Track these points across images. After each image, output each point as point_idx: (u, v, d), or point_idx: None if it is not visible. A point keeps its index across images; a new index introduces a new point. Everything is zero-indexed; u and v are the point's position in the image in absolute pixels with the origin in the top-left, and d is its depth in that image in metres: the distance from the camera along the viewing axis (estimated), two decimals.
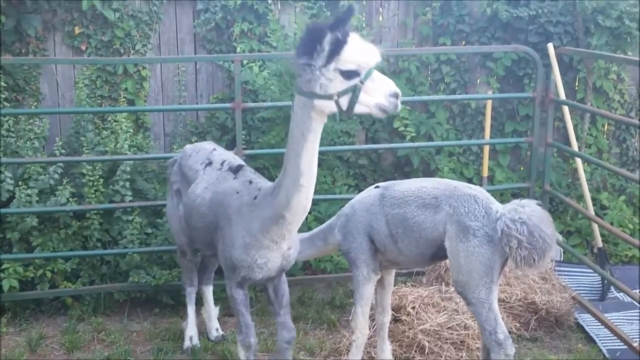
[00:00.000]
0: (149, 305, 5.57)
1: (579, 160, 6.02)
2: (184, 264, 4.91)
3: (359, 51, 3.23)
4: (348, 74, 3.23)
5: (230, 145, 6.20)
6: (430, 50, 6.65)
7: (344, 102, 3.27)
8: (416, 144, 6.42)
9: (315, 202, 6.22)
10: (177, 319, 5.42)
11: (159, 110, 6.63)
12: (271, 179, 6.15)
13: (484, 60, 6.79)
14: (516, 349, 4.36)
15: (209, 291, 5.10)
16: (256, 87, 6.14)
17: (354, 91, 3.24)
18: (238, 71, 5.30)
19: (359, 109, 3.28)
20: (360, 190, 6.72)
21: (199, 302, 5.12)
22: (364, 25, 6.67)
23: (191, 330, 4.95)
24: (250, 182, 3.96)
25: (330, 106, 3.30)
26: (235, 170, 4.13)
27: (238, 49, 6.41)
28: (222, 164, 4.28)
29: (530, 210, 3.81)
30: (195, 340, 4.93)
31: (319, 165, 6.48)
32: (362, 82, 3.23)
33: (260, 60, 6.31)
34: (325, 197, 6.05)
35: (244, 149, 5.57)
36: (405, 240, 4.12)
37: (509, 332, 4.16)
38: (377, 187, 4.38)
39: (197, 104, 6.70)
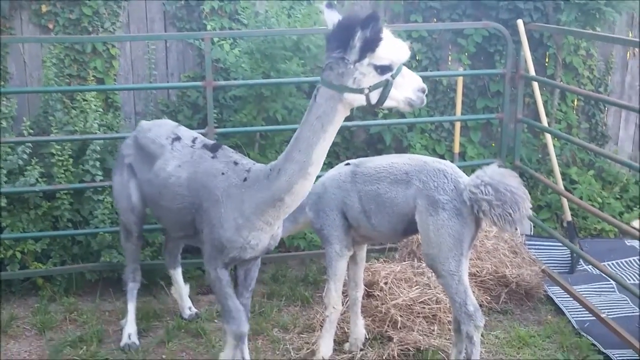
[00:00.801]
0: (121, 284, 5.54)
1: (548, 136, 6.08)
2: (128, 249, 4.75)
3: (393, 47, 3.26)
4: (382, 69, 3.27)
5: (202, 124, 6.18)
6: (402, 27, 6.62)
7: (375, 96, 3.32)
8: (388, 121, 6.46)
9: None
10: (150, 298, 5.42)
11: (129, 89, 6.55)
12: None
13: (455, 37, 6.81)
14: (487, 322, 4.45)
15: (177, 273, 5.08)
16: (227, 65, 6.11)
17: (386, 86, 3.29)
18: (209, 49, 5.26)
19: (388, 103, 3.34)
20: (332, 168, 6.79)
21: (169, 284, 5.13)
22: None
23: (130, 328, 4.80)
24: (236, 162, 3.88)
25: (360, 100, 3.33)
26: (213, 148, 4.04)
27: (208, 27, 6.37)
28: (193, 141, 4.18)
29: (490, 171, 3.90)
30: (134, 338, 4.78)
31: None
32: (393, 77, 3.29)
33: (232, 38, 6.26)
34: None
35: (215, 127, 5.55)
36: (378, 215, 4.17)
37: (480, 305, 4.23)
38: (348, 164, 4.40)
39: (167, 82, 6.63)
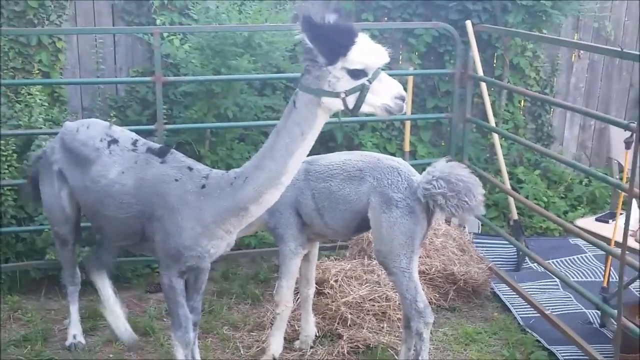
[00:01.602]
0: None
1: (496, 136, 6.20)
2: (65, 257, 4.48)
3: (367, 52, 3.18)
4: (355, 74, 3.18)
5: (151, 120, 6.11)
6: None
7: (351, 100, 3.22)
8: (342, 119, 6.44)
9: None
10: (96, 296, 5.32)
11: (75, 83, 6.42)
12: (192, 155, 6.18)
13: (406, 37, 6.87)
14: (435, 319, 4.50)
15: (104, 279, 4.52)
16: (177, 60, 6.04)
17: (362, 91, 3.20)
18: (158, 44, 5.21)
19: (365, 108, 3.25)
20: None
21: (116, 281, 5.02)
22: (286, 0, 6.64)
23: (75, 329, 4.69)
24: (190, 168, 3.68)
25: (337, 104, 3.24)
26: (160, 152, 3.80)
27: (158, 22, 6.29)
28: (134, 144, 3.91)
29: (440, 165, 4.01)
30: (79, 338, 4.68)
31: (244, 140, 6.57)
32: (369, 82, 3.20)
33: (182, 33, 6.20)
34: None
35: (165, 123, 5.50)
36: (331, 213, 4.19)
37: (429, 303, 4.28)
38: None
39: (116, 77, 6.54)
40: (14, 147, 5.38)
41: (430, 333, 4.57)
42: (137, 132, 6.04)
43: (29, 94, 5.65)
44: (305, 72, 3.28)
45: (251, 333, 4.90)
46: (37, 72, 6.08)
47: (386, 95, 3.24)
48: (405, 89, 3.27)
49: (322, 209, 4.20)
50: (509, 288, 5.44)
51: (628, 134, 4.06)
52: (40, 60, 6.15)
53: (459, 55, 5.87)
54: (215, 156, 6.19)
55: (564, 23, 7.05)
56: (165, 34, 6.14)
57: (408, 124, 6.46)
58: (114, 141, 3.93)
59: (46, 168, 4.22)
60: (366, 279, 5.09)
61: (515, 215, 6.16)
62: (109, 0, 6.42)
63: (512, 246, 5.95)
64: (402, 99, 3.27)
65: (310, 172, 4.26)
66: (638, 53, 4.13)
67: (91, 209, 3.98)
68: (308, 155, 4.56)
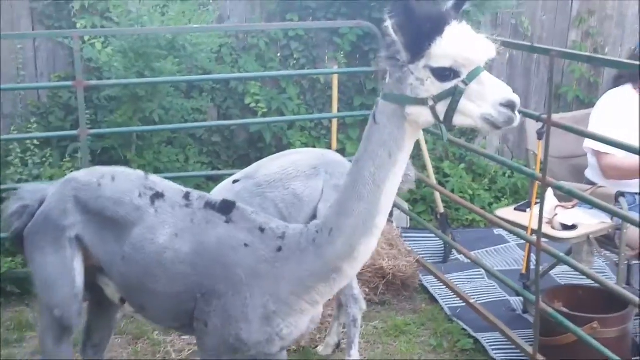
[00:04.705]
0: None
1: (420, 131, 6.28)
2: (63, 355, 3.26)
3: (458, 44, 2.41)
4: (442, 74, 2.44)
5: (75, 126, 6.02)
6: (278, 26, 6.72)
7: (441, 109, 2.46)
8: (268, 119, 6.50)
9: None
10: (23, 307, 5.22)
11: None
12: (119, 160, 6.12)
13: (332, 36, 6.93)
14: (366, 313, 4.58)
15: None
16: (100, 64, 5.97)
17: (453, 96, 2.43)
18: (78, 48, 5.12)
19: (458, 120, 2.46)
20: (214, 168, 6.78)
21: None
22: (211, 1, 6.63)
23: None
24: (262, 228, 2.87)
25: (424, 115, 2.48)
26: (223, 209, 2.97)
27: (78, 25, 6.19)
28: (187, 197, 3.05)
29: None
30: None
31: (171, 143, 6.53)
32: (465, 84, 2.43)
33: (104, 36, 6.13)
34: (179, 175, 6.01)
35: (89, 128, 5.44)
36: (296, 216, 3.94)
37: None
38: (237, 181, 3.99)
39: (37, 82, 6.42)
40: None
41: (361, 327, 4.64)
42: (60, 138, 6.08)
43: None
44: (387, 75, 2.58)
45: (182, 337, 4.86)
46: None
47: (487, 101, 2.43)
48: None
49: (289, 216, 3.88)
50: (436, 280, 5.53)
51: (540, 125, 4.21)
52: None
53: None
54: (143, 160, 6.15)
55: (483, 20, 7.22)
56: (86, 38, 6.06)
57: (335, 122, 6.51)
58: (159, 195, 3.06)
59: (50, 234, 3.14)
60: None
61: (441, 209, 6.29)
62: (27, 0, 6.28)
63: (439, 239, 6.06)
64: (512, 105, 2.42)
65: (262, 184, 3.91)
66: (548, 47, 4.27)
67: (130, 283, 3.08)
68: (236, 157, 4.45)
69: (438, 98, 2.45)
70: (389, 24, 2.42)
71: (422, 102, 2.47)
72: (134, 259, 3.01)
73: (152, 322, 3.37)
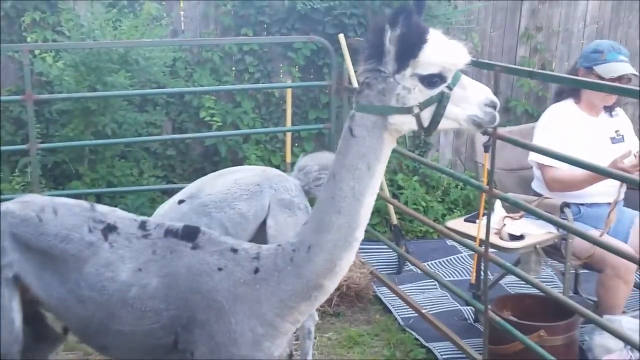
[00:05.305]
0: None
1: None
2: None
3: (442, 50, 2.46)
4: (430, 80, 2.47)
5: (25, 140, 5.94)
6: (233, 40, 6.75)
7: (427, 116, 2.49)
8: (223, 132, 6.52)
9: (121, 195, 6.18)
10: None
11: None
12: (71, 174, 6.07)
13: (286, 51, 6.98)
14: (320, 324, 4.63)
15: None
16: (51, 78, 5.93)
17: (440, 102, 2.47)
18: (27, 62, 5.07)
19: (445, 124, 2.51)
20: (169, 182, 6.76)
21: None
22: (164, 15, 6.63)
23: None
24: (234, 249, 2.78)
25: (408, 123, 2.51)
26: (188, 235, 2.83)
27: (29, 39, 6.15)
28: (144, 228, 2.89)
29: (302, 161, 4.18)
30: None
31: (125, 157, 6.50)
32: (449, 89, 2.48)
33: (55, 50, 6.09)
34: (133, 188, 6.00)
35: (40, 142, 5.39)
36: (244, 235, 3.86)
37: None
38: (182, 201, 3.89)
39: None
40: None
41: (315, 338, 4.66)
42: (9, 152, 5.99)
43: None
44: (363, 87, 2.55)
45: None
46: None
47: (473, 103, 2.50)
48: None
49: (235, 235, 3.74)
50: (390, 291, 5.56)
51: (487, 138, 4.25)
52: None
53: (335, 67, 6.01)
54: (96, 174, 6.11)
55: None
56: (37, 52, 6.01)
57: (289, 135, 6.53)
58: (111, 228, 2.87)
59: None
60: None
61: (395, 221, 6.35)
62: None
63: (393, 250, 6.09)
64: (494, 105, 2.53)
65: (208, 204, 3.79)
66: (492, 63, 4.37)
67: (90, 326, 2.88)
68: (191, 170, 4.39)
69: (424, 105, 2.48)
70: (387, 35, 2.42)
71: (408, 110, 2.49)
72: (94, 301, 2.80)
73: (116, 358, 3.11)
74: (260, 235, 4.05)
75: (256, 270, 2.70)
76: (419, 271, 5.87)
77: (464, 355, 4.61)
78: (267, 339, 2.72)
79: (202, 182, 3.98)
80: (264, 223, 3.90)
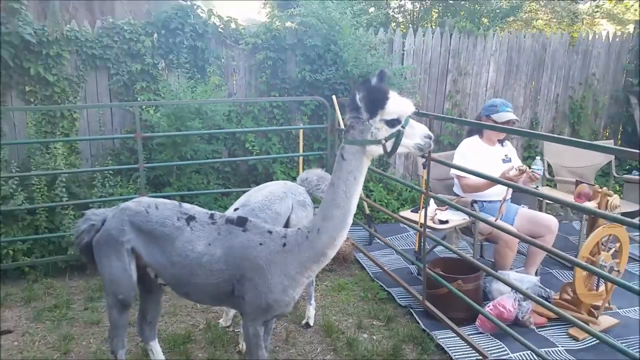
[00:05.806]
0: (82, 269, 5.32)
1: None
2: (123, 322, 3.11)
3: (398, 104, 2.57)
4: (391, 123, 2.56)
5: (136, 162, 5.96)
6: (266, 99, 6.77)
7: (389, 145, 2.58)
8: (260, 157, 6.53)
9: (196, 196, 6.22)
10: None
11: (84, 140, 6.26)
12: (165, 182, 6.12)
13: (299, 105, 7.01)
14: (320, 276, 4.60)
15: (156, 346, 3.47)
16: (152, 123, 6.00)
17: (398, 136, 2.56)
18: (137, 113, 5.15)
19: (401, 150, 2.60)
20: (226, 187, 6.78)
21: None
22: (224, 83, 6.66)
23: None
24: (270, 232, 2.83)
25: (378, 150, 2.60)
26: (240, 222, 2.88)
27: (139, 98, 6.23)
28: (212, 218, 2.93)
29: (303, 175, 4.07)
30: None
31: (198, 172, 6.57)
32: (403, 128, 2.57)
33: (155, 106, 6.17)
34: (203, 192, 6.05)
35: (145, 163, 5.40)
36: (280, 225, 3.68)
37: None
38: (237, 209, 3.61)
39: (113, 135, 6.43)
40: (45, 182, 5.24)
41: (317, 285, 4.70)
42: (127, 169, 5.98)
43: (55, 147, 5.52)
44: (349, 128, 2.61)
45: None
46: (59, 133, 5.94)
47: (417, 136, 2.60)
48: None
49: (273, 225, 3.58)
50: (364, 256, 5.59)
51: (424, 160, 4.32)
52: (63, 125, 6.00)
53: (329, 116, 6.07)
54: (180, 183, 6.16)
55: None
56: (144, 107, 6.09)
57: (301, 158, 6.57)
58: (191, 218, 2.92)
59: (113, 246, 2.94)
60: None
61: (367, 211, 6.35)
62: (107, 82, 6.31)
63: (366, 230, 6.12)
64: (430, 137, 2.63)
65: (255, 209, 3.55)
66: (428, 113, 4.36)
67: (180, 280, 2.90)
68: (239, 183, 4.19)
69: (388, 138, 2.55)
70: (357, 97, 2.52)
71: (378, 142, 2.56)
72: (181, 264, 2.84)
73: (193, 302, 3.10)
74: (286, 224, 3.98)
75: (284, 245, 2.75)
76: (383, 243, 5.94)
77: (410, 296, 4.66)
78: (291, 288, 2.76)
79: (249, 195, 3.84)
80: (288, 217, 3.86)
